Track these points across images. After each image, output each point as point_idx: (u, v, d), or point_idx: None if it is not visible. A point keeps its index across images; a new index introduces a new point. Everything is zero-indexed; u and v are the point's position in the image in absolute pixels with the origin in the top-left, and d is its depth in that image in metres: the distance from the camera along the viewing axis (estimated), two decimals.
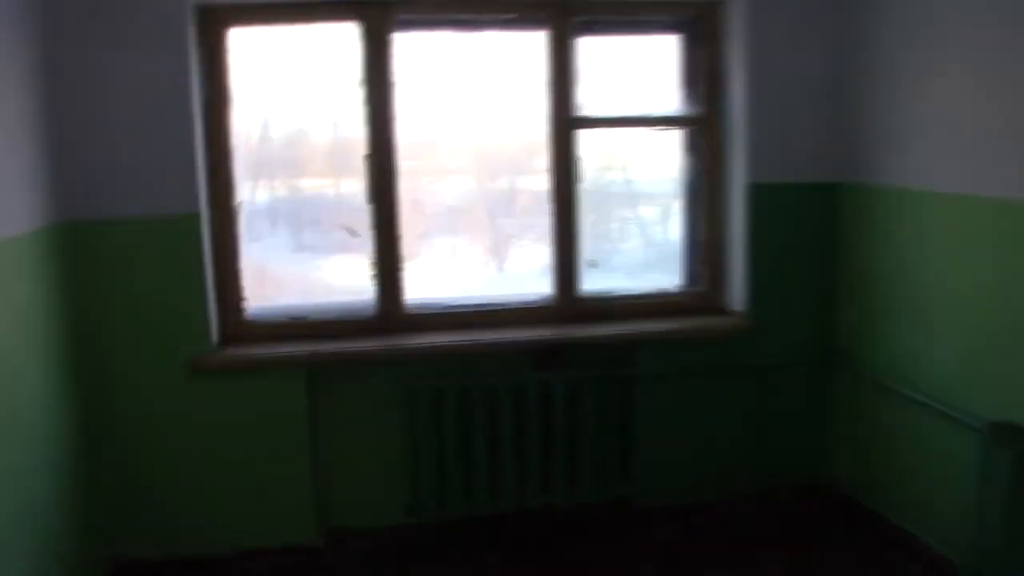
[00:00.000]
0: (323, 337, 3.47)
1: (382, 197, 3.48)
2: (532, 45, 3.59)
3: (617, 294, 3.75)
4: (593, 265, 3.68)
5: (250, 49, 3.44)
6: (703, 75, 3.70)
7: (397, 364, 3.46)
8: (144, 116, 3.16)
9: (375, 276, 3.53)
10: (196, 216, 3.24)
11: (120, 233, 3.20)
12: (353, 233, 3.51)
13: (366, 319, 3.54)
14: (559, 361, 3.53)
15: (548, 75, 3.56)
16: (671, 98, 3.80)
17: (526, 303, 3.65)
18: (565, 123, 3.56)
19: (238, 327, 3.46)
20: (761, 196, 3.60)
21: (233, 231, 3.43)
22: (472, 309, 3.62)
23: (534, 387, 3.45)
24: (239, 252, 3.46)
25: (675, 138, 3.78)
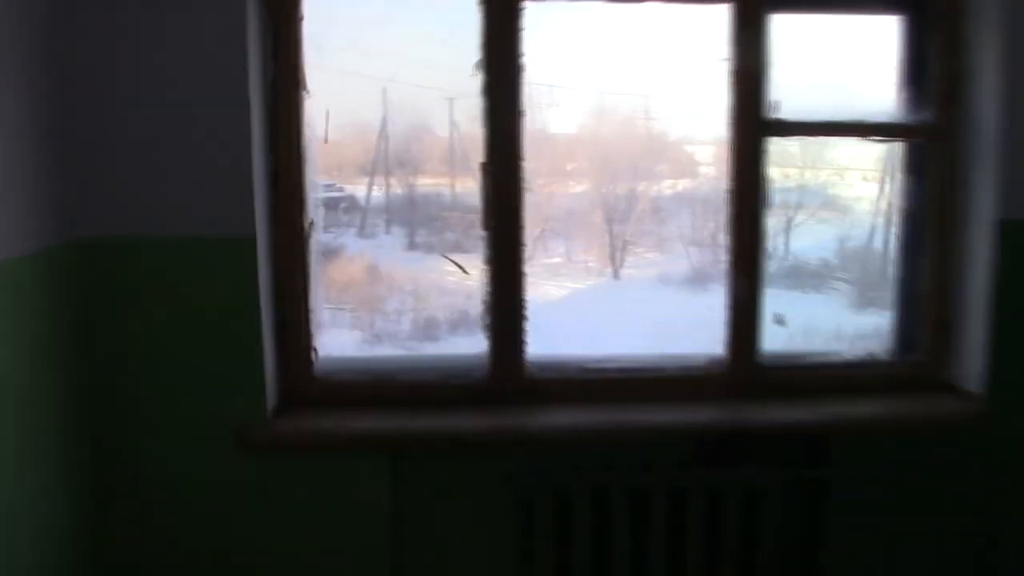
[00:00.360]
0: (416, 405, 2.60)
1: (502, 222, 2.57)
2: (706, 22, 2.67)
3: (808, 361, 2.78)
4: (779, 322, 2.71)
5: (334, 17, 2.57)
6: (937, 71, 2.70)
7: (512, 449, 2.56)
8: (183, 104, 2.33)
9: (488, 327, 2.61)
10: (250, 239, 2.38)
11: (148, 257, 2.39)
12: (461, 269, 2.60)
13: (474, 383, 2.63)
14: (731, 454, 2.58)
15: (732, 63, 2.60)
16: (889, 100, 2.81)
17: (689, 369, 2.71)
18: (752, 127, 2.61)
19: (304, 385, 2.60)
20: (1014, 236, 2.62)
21: (303, 259, 2.57)
22: (615, 374, 2.69)
23: (697, 489, 2.52)
24: (309, 287, 2.59)
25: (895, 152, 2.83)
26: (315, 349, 2.63)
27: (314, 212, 2.64)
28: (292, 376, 2.60)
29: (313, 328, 2.62)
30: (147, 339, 2.42)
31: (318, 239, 2.66)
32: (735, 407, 2.64)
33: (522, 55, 2.53)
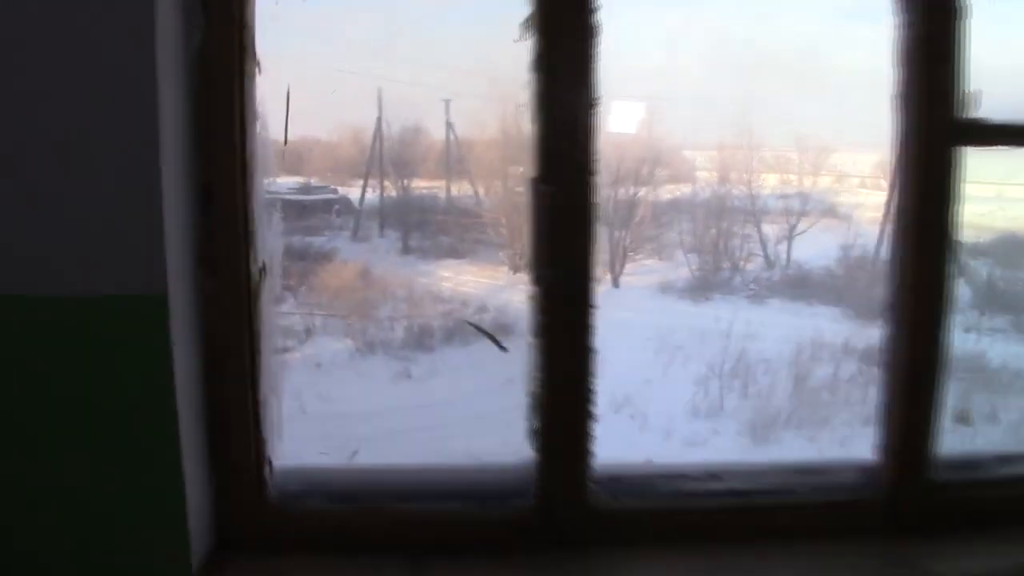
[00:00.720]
0: (423, 550, 1.67)
1: (563, 269, 1.65)
2: None
3: (992, 476, 1.90)
4: (963, 421, 1.83)
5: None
6: None
7: None
8: (44, 88, 1.41)
9: (537, 432, 1.70)
10: (157, 299, 1.48)
11: (4, 326, 1.48)
12: (498, 344, 1.69)
13: (514, 516, 1.73)
14: None
15: (905, 36, 1.71)
16: None
17: (832, 490, 1.81)
18: (940, 131, 1.70)
19: (253, 518, 1.71)
20: None
21: (249, 323, 1.63)
22: (723, 501, 1.79)
23: None
24: (260, 364, 1.65)
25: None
26: (269, 461, 1.70)
27: (272, 248, 1.70)
28: (234, 505, 1.68)
29: (266, 428, 1.69)
30: (7, 456, 1.51)
31: (274, 290, 1.71)
32: (901, 552, 1.76)
33: (597, 8, 1.61)
